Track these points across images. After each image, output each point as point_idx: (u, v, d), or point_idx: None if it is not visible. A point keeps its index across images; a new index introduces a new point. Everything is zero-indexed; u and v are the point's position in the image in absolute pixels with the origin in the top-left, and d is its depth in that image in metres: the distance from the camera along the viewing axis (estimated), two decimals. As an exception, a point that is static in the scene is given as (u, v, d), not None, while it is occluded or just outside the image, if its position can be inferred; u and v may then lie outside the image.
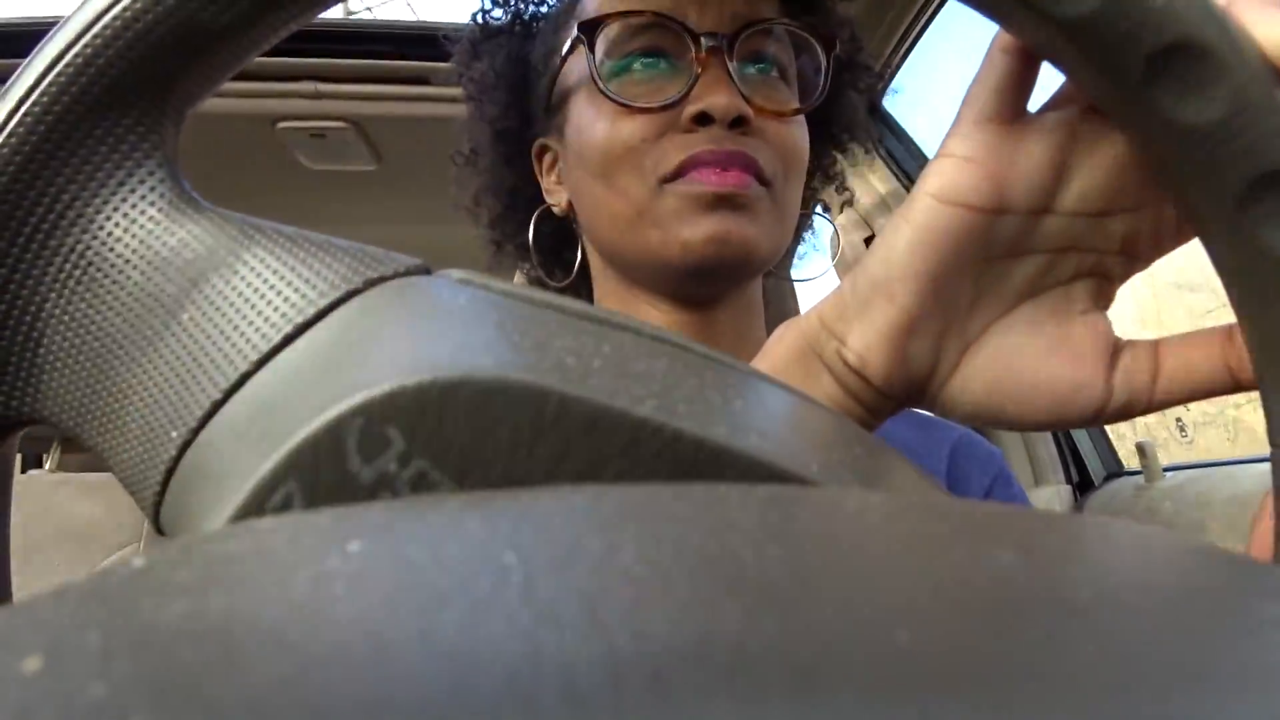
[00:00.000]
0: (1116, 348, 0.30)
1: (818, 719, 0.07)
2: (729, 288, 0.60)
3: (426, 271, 0.24)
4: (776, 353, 0.34)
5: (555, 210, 0.65)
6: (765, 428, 0.20)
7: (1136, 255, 0.30)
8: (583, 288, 0.67)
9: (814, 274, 0.73)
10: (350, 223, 1.61)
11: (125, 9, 0.23)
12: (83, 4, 0.24)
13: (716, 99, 0.53)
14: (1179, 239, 0.30)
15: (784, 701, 0.08)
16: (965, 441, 0.68)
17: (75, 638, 0.09)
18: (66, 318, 0.24)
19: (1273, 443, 0.24)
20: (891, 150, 1.28)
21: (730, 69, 0.54)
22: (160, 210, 0.24)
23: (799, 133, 0.59)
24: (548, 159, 0.66)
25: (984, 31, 0.29)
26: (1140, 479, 1.30)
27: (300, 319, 0.22)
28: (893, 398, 0.32)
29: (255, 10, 0.25)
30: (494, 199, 0.69)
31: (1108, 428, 1.47)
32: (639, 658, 0.08)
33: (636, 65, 0.56)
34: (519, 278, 0.74)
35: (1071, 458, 1.42)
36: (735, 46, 0.55)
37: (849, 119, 0.68)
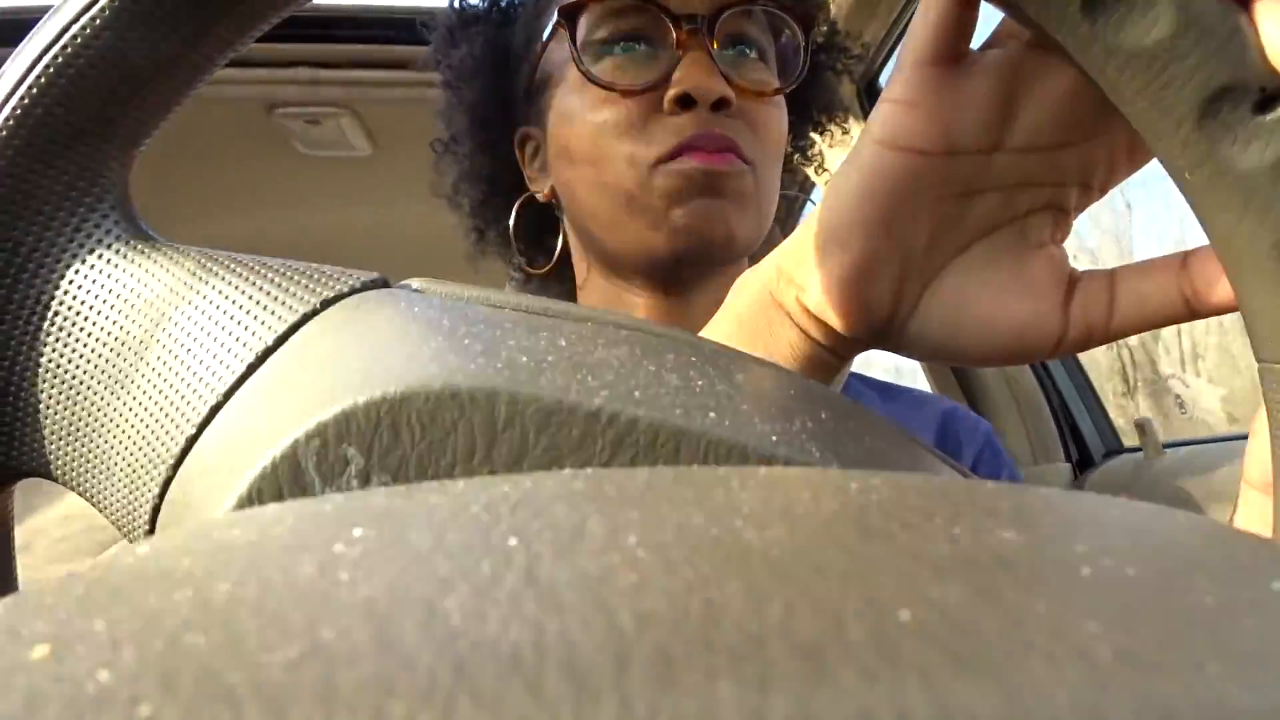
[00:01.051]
0: (1073, 280, 0.30)
1: (822, 699, 0.07)
2: (710, 272, 0.60)
3: (384, 284, 0.24)
4: (738, 303, 0.35)
5: (538, 197, 0.65)
6: (724, 405, 0.20)
7: (1091, 185, 0.30)
8: (565, 274, 0.67)
9: None
10: (346, 208, 1.60)
11: (56, 57, 0.24)
12: (14, 58, 0.24)
13: (699, 81, 0.54)
14: (1133, 165, 0.30)
15: (788, 682, 0.08)
16: (952, 414, 0.69)
17: (82, 626, 0.09)
18: (38, 368, 0.24)
19: (1258, 357, 0.24)
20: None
21: (711, 51, 0.54)
22: (117, 252, 0.25)
23: (778, 114, 0.59)
24: (530, 147, 0.66)
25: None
26: (1140, 456, 1.30)
27: (261, 346, 0.22)
28: (855, 340, 0.32)
29: (184, 45, 0.25)
30: (474, 186, 0.69)
31: (1107, 408, 1.48)
32: (643, 639, 0.08)
33: (617, 49, 0.57)
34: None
35: (1071, 435, 1.42)
36: (715, 28, 0.55)
37: (827, 99, 0.69)
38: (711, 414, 0.20)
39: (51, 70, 0.24)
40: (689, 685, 0.08)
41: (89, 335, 0.24)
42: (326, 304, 0.23)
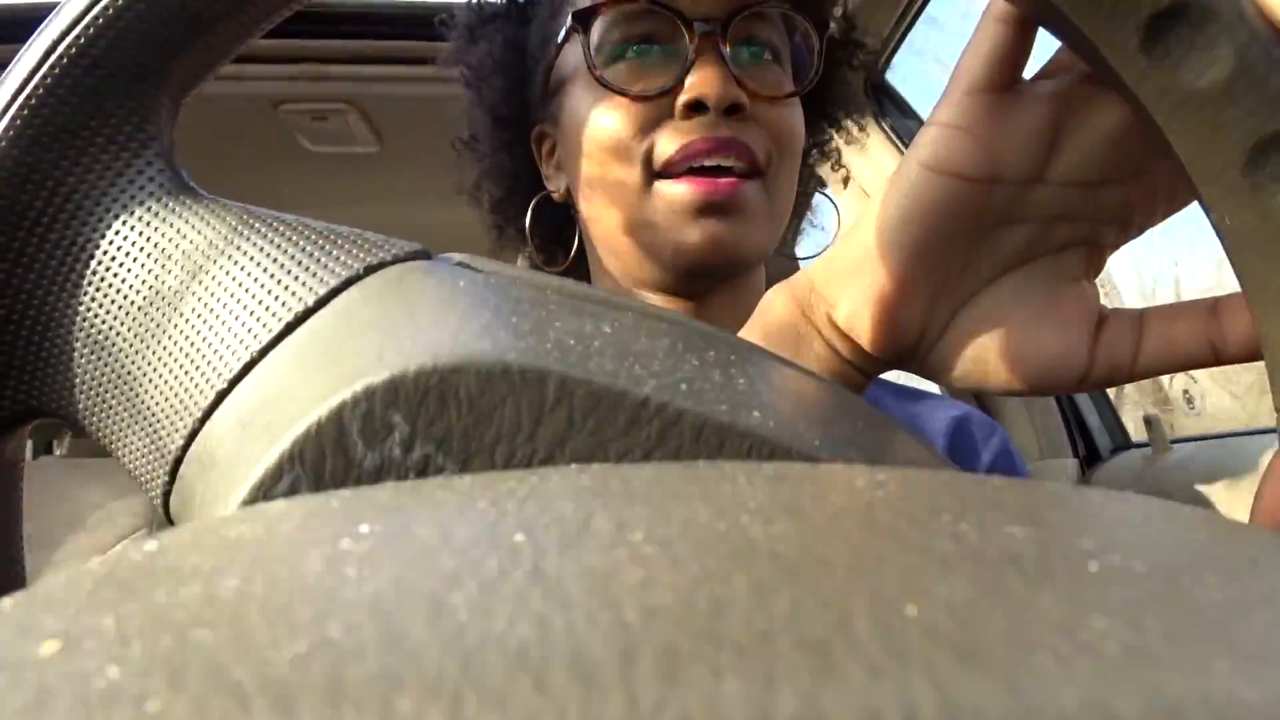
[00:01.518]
0: (1102, 317, 0.30)
1: (829, 695, 0.07)
2: (724, 280, 0.60)
3: (427, 256, 0.24)
4: (769, 315, 0.35)
5: (554, 196, 0.65)
6: (767, 404, 0.20)
7: (1129, 224, 0.30)
8: (580, 272, 0.67)
9: (816, 252, 0.73)
10: (352, 204, 1.60)
11: None
12: None
13: (710, 87, 0.53)
14: (1172, 207, 0.30)
15: (795, 678, 0.08)
16: (967, 417, 0.68)
17: (91, 622, 0.09)
18: (70, 311, 0.24)
19: (1277, 406, 0.24)
20: (894, 124, 1.27)
21: (724, 54, 0.54)
22: (159, 201, 0.24)
23: (794, 115, 0.59)
24: (547, 145, 0.66)
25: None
26: (1148, 451, 1.30)
27: (301, 307, 0.22)
28: (881, 360, 0.32)
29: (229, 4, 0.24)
30: (494, 184, 0.69)
31: (1109, 400, 1.47)
32: (649, 635, 0.08)
33: (630, 53, 0.56)
34: (521, 261, 0.74)
35: (1078, 431, 1.42)
36: (728, 31, 0.54)
37: (843, 96, 0.68)
38: (756, 413, 0.19)
39: (111, 12, 0.23)
40: (695, 681, 0.08)
41: (124, 283, 0.24)
42: (370, 270, 0.23)
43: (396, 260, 0.23)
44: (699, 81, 0.53)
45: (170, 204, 0.24)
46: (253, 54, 1.12)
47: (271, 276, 0.23)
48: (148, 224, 0.24)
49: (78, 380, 0.24)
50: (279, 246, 0.23)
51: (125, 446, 0.24)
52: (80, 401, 0.24)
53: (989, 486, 0.14)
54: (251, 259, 0.23)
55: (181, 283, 0.23)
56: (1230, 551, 0.12)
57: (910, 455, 0.23)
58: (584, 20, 0.56)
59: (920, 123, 1.20)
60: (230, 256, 0.23)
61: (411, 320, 0.21)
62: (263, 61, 1.17)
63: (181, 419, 0.22)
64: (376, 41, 1.19)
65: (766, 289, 0.66)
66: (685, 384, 0.20)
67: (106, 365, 0.24)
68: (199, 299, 0.23)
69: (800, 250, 0.77)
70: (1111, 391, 1.48)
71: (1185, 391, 1.46)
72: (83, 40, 0.23)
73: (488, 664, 0.08)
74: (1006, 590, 0.09)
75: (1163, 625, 0.09)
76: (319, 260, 0.23)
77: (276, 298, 0.22)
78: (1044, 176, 0.29)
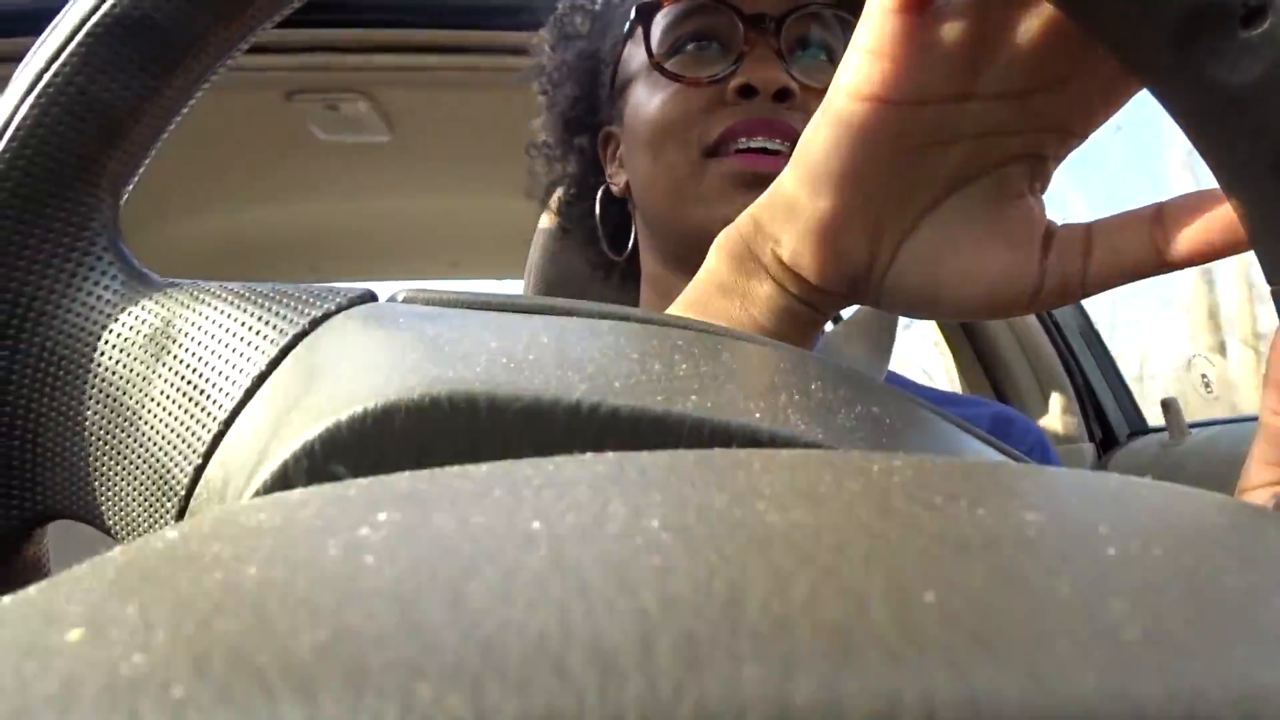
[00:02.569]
0: (1050, 232, 0.30)
1: (847, 681, 0.07)
2: None
3: (373, 298, 0.25)
4: (717, 258, 0.35)
5: (614, 190, 0.68)
6: (706, 386, 0.20)
7: (1068, 131, 0.30)
8: (635, 263, 0.70)
9: None
10: (364, 195, 1.61)
11: (33, 108, 0.24)
12: None
13: (761, 72, 0.56)
14: (1109, 109, 0.29)
15: (813, 664, 0.08)
16: (1004, 415, 0.69)
17: (115, 609, 0.09)
18: (53, 413, 0.25)
19: (1270, 280, 0.24)
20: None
21: (778, 48, 0.56)
22: (115, 293, 0.25)
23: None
24: (611, 145, 0.69)
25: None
26: (1165, 436, 1.29)
27: (256, 371, 0.23)
28: (833, 293, 0.32)
29: (156, 82, 0.25)
30: (563, 186, 0.73)
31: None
32: (667, 621, 0.08)
33: (689, 47, 0.59)
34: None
35: (1095, 415, 1.41)
36: (783, 28, 0.57)
37: None
38: (693, 397, 0.20)
39: (29, 121, 0.24)
40: (714, 667, 0.08)
41: (97, 377, 0.25)
42: (315, 324, 0.23)
43: (340, 309, 0.24)
44: (751, 68, 0.56)
45: (126, 293, 0.25)
46: (265, 44, 1.12)
47: (227, 346, 0.24)
48: (109, 316, 0.25)
49: (71, 476, 0.25)
50: (230, 316, 0.24)
51: (125, 532, 0.25)
52: (76, 497, 0.26)
53: (1006, 472, 0.14)
54: (207, 333, 0.24)
55: (148, 367, 0.24)
56: (1249, 537, 0.12)
57: (876, 406, 0.23)
58: (646, 14, 0.60)
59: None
60: (188, 334, 0.24)
61: (349, 368, 0.21)
62: (275, 51, 1.17)
63: (169, 500, 0.23)
64: (389, 30, 1.19)
65: None
66: (619, 381, 0.20)
67: (94, 457, 0.25)
68: (166, 381, 0.24)
69: None
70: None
71: (1203, 375, 1.45)
72: (8, 154, 0.24)
73: (507, 651, 0.08)
74: (1024, 576, 0.09)
75: (1182, 611, 0.09)
76: (268, 323, 0.24)
77: (235, 366, 0.23)
78: (972, 92, 0.28)
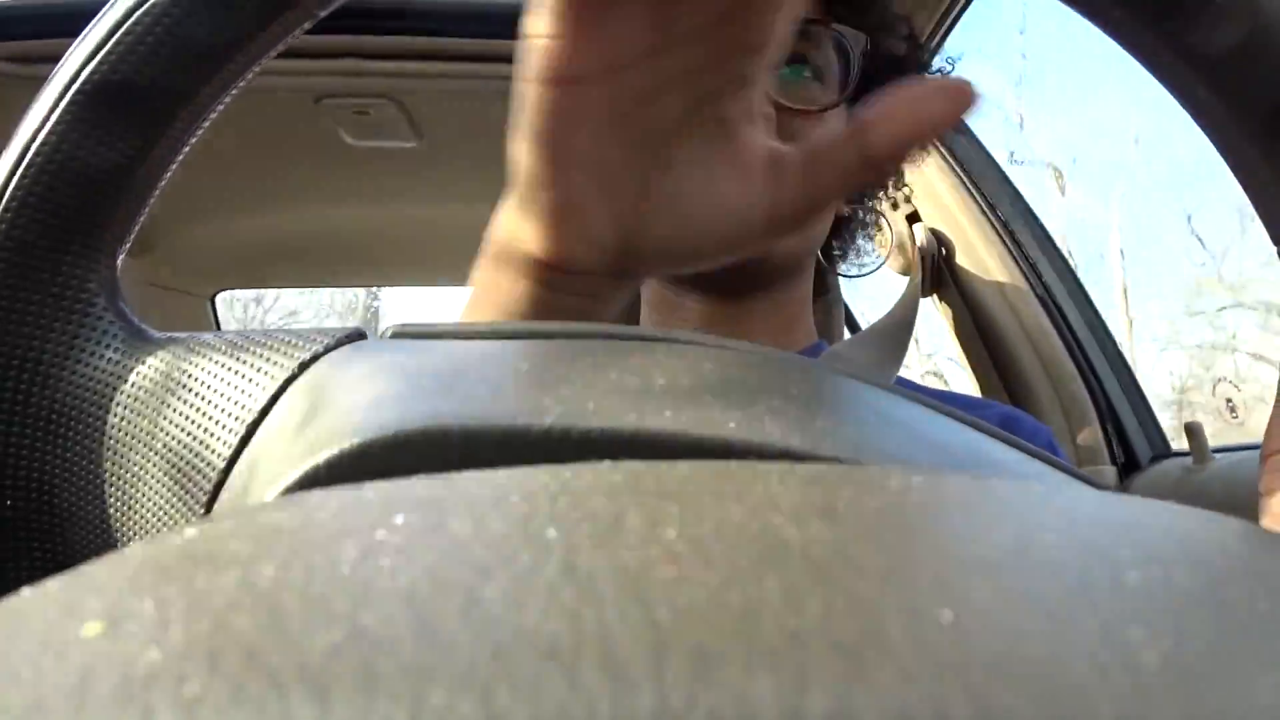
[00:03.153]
0: (775, 158, 0.30)
1: (861, 698, 0.07)
2: (764, 281, 0.60)
3: (361, 336, 0.25)
4: (480, 273, 0.35)
5: None
6: (681, 399, 0.20)
7: (759, 47, 0.29)
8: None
9: (861, 272, 0.73)
10: (391, 200, 1.62)
11: (24, 176, 0.25)
12: None
13: None
14: (791, 11, 0.29)
15: (827, 679, 0.08)
16: (1012, 415, 0.68)
17: (133, 604, 0.10)
18: (66, 473, 0.26)
19: (1275, 241, 0.24)
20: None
21: None
22: (116, 351, 0.26)
23: (831, 129, 0.58)
24: None
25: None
26: (1188, 461, 1.28)
27: (250, 418, 0.23)
28: (594, 274, 0.32)
29: (143, 145, 0.26)
30: None
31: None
32: (681, 632, 0.08)
33: None
34: None
35: (1117, 438, 1.40)
36: None
37: None
38: (668, 412, 0.20)
39: (21, 191, 0.25)
40: (727, 680, 0.08)
41: (102, 434, 0.25)
42: (304, 367, 0.24)
43: (328, 350, 0.24)
44: None
45: (127, 350, 0.26)
46: (295, 49, 1.13)
47: (223, 395, 0.24)
48: (113, 374, 0.26)
49: (88, 534, 0.26)
50: (225, 365, 0.25)
51: None
52: (94, 552, 0.26)
53: (1026, 492, 0.14)
54: (204, 384, 0.25)
55: (152, 422, 0.25)
56: (1271, 564, 0.11)
57: (865, 406, 0.23)
58: None
59: (970, 136, 1.18)
60: (186, 386, 0.25)
61: (333, 409, 0.22)
62: (304, 56, 1.19)
63: None
64: (417, 38, 1.20)
65: (810, 299, 0.66)
66: (593, 402, 0.20)
67: (106, 513, 0.25)
68: (168, 434, 0.25)
69: (848, 271, 0.77)
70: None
71: (1228, 400, 1.43)
72: (3, 224, 0.25)
73: (519, 657, 0.08)
74: (1043, 599, 0.09)
75: (1203, 638, 0.09)
76: (260, 369, 0.24)
77: (231, 414, 0.24)
78: (659, 43, 0.28)
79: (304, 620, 0.09)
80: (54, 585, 0.10)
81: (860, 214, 0.72)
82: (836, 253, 0.75)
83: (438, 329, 0.25)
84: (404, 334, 0.25)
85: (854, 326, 1.39)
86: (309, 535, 0.11)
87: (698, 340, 0.25)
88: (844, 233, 0.72)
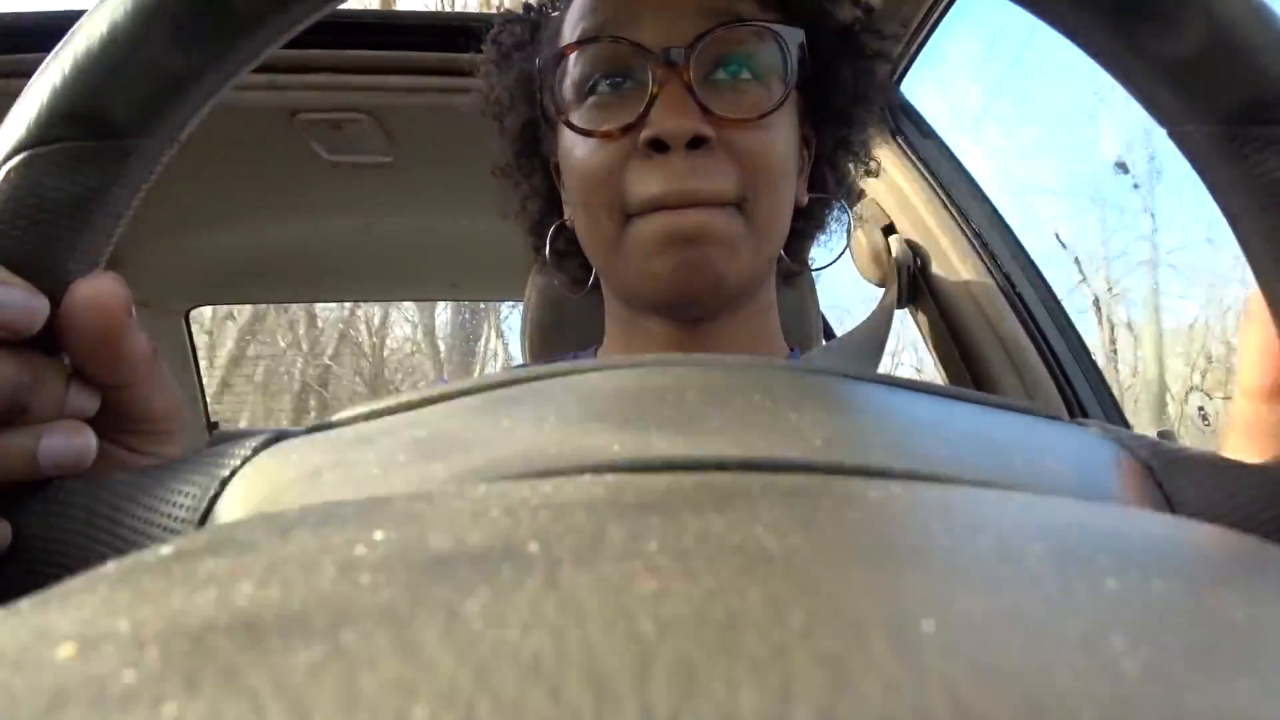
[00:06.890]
0: None
1: (844, 708, 0.07)
2: (723, 305, 0.59)
3: (278, 438, 0.26)
4: None
5: (568, 224, 0.65)
6: (571, 430, 0.21)
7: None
8: (597, 294, 0.68)
9: (828, 261, 0.72)
10: (366, 214, 1.61)
11: None
12: None
13: (669, 124, 0.51)
14: None
15: (810, 691, 0.08)
16: None
17: (107, 625, 0.09)
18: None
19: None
20: (909, 137, 1.26)
21: (689, 83, 0.52)
22: (70, 491, 0.27)
23: (772, 135, 0.56)
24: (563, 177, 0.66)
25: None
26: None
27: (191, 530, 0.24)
28: None
29: (104, 181, 0.26)
30: (526, 210, 0.70)
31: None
32: (664, 646, 0.08)
33: (602, 87, 0.56)
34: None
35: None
36: (694, 57, 0.53)
37: (856, 89, 0.63)
38: (552, 450, 0.20)
39: None
40: (710, 693, 0.08)
41: (69, 571, 0.26)
42: (224, 484, 0.25)
43: (245, 461, 0.25)
44: (658, 117, 0.52)
45: (75, 487, 0.27)
46: (270, 64, 1.12)
47: (165, 515, 0.25)
48: (67, 516, 0.26)
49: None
50: (162, 497, 0.25)
51: None
52: None
53: (1008, 501, 0.14)
54: (144, 520, 0.25)
55: (102, 556, 0.25)
56: (1251, 570, 0.12)
57: (756, 399, 0.22)
58: (552, 65, 0.57)
59: (939, 142, 1.18)
60: (133, 515, 0.26)
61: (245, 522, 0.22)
62: (279, 71, 1.18)
63: None
64: (392, 52, 1.20)
65: (775, 307, 0.65)
66: (482, 457, 0.20)
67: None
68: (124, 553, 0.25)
69: (815, 262, 0.76)
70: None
71: (1200, 408, 1.45)
72: None
73: (501, 673, 0.08)
74: (1024, 607, 0.09)
75: (1183, 644, 0.09)
76: (188, 493, 0.25)
77: (173, 532, 0.24)
78: None
79: (283, 639, 0.09)
80: (26, 605, 0.10)
81: (821, 208, 0.71)
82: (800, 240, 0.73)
83: (358, 414, 0.26)
84: (321, 427, 0.26)
85: (831, 337, 1.40)
86: (287, 552, 0.11)
87: (598, 364, 0.25)
88: (805, 221, 0.70)
